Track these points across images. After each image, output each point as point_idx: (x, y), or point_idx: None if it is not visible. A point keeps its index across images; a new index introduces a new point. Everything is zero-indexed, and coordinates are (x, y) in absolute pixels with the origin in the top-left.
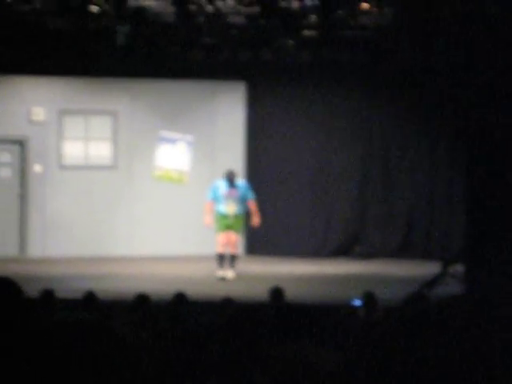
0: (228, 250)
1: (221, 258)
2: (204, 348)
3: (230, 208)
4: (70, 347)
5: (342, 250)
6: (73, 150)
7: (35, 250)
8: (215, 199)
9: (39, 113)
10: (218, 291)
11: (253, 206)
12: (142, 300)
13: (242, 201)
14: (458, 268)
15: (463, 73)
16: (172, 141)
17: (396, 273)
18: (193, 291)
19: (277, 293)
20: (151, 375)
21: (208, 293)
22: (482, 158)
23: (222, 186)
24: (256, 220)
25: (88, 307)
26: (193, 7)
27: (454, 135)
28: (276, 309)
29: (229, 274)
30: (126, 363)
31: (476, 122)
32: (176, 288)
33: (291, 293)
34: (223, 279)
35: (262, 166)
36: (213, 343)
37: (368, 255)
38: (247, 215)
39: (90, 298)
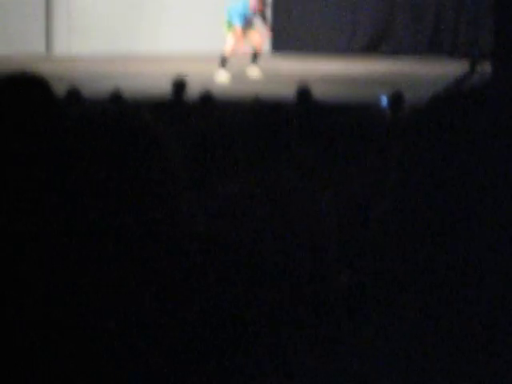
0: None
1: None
2: (232, 146)
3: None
4: (98, 141)
5: (370, 47)
6: None
7: (61, 48)
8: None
9: None
10: (244, 92)
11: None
12: (181, 85)
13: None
14: (486, 67)
15: None
16: None
17: (423, 72)
18: (222, 90)
19: (304, 93)
20: (179, 169)
21: (235, 93)
22: None
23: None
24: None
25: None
26: None
27: None
28: (303, 109)
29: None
30: (157, 158)
31: None
32: (202, 88)
33: (319, 92)
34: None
35: None
36: (241, 142)
37: (396, 52)
38: None
39: (116, 96)
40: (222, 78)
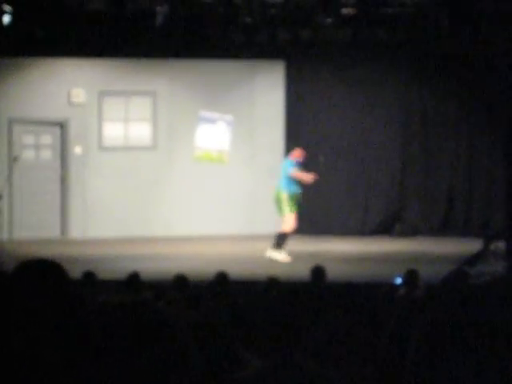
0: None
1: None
2: (247, 328)
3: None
4: (116, 330)
5: (383, 229)
6: (113, 131)
7: (76, 231)
8: (285, 178)
9: (79, 94)
10: (260, 270)
11: (296, 174)
12: (182, 280)
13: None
14: (500, 245)
15: (506, 51)
16: (212, 120)
17: (437, 250)
18: (235, 271)
19: (318, 272)
20: (197, 357)
21: (250, 272)
22: None
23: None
24: (306, 178)
25: (131, 288)
26: None
27: (495, 112)
28: (318, 288)
29: (281, 255)
30: (174, 345)
31: None
32: (218, 267)
33: (332, 272)
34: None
35: (302, 144)
36: (257, 323)
37: (409, 233)
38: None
39: (133, 279)
40: (282, 257)
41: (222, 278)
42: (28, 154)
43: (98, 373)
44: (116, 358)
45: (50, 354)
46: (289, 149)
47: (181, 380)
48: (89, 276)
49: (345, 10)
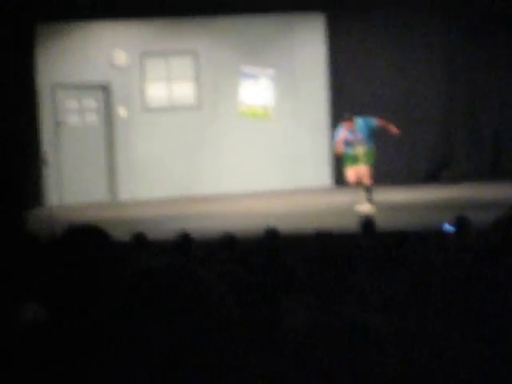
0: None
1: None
2: (296, 281)
3: (359, 150)
4: (154, 296)
5: (431, 176)
6: (156, 92)
7: (124, 194)
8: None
9: (121, 57)
10: (308, 224)
11: (381, 123)
12: (230, 238)
13: (368, 137)
14: None
15: None
16: (254, 75)
17: (486, 196)
18: (283, 226)
19: (368, 224)
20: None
21: (298, 227)
22: None
23: (344, 132)
24: (393, 130)
25: (182, 249)
26: None
27: None
28: (368, 240)
29: (365, 207)
30: (213, 313)
31: None
32: (266, 223)
33: (382, 222)
34: (361, 213)
35: (345, 97)
36: (305, 276)
37: (457, 179)
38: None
39: (184, 239)
40: (366, 208)
41: (271, 234)
42: (72, 119)
43: (132, 336)
44: (152, 322)
45: (93, 317)
46: (334, 103)
47: (222, 340)
48: (138, 237)
49: None
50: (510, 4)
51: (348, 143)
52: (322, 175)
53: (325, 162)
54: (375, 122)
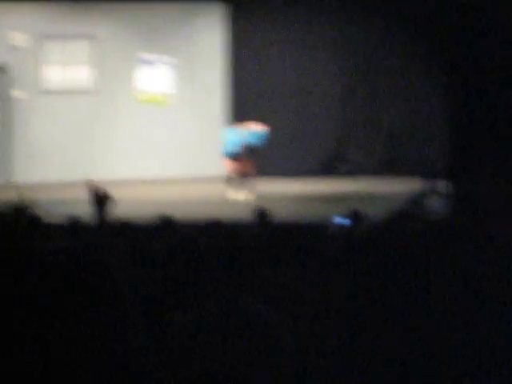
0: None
1: (229, 180)
2: (189, 270)
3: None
4: (53, 278)
5: (327, 169)
6: (53, 74)
7: (20, 176)
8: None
9: (19, 38)
10: (203, 214)
11: (252, 163)
12: (125, 224)
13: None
14: (443, 184)
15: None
16: (151, 62)
17: (381, 190)
18: (179, 214)
19: (262, 214)
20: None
21: (192, 215)
22: (464, 71)
23: (231, 142)
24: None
25: (72, 233)
26: None
27: (437, 53)
28: (262, 229)
29: (241, 195)
30: (112, 296)
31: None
32: (162, 211)
33: (277, 213)
34: (235, 201)
35: (245, 87)
36: (200, 264)
37: (352, 173)
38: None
39: (74, 223)
40: (237, 195)
41: (165, 221)
42: None
43: (35, 321)
44: (54, 304)
45: None
46: (233, 93)
47: (120, 327)
48: (33, 220)
49: None
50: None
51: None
52: (218, 165)
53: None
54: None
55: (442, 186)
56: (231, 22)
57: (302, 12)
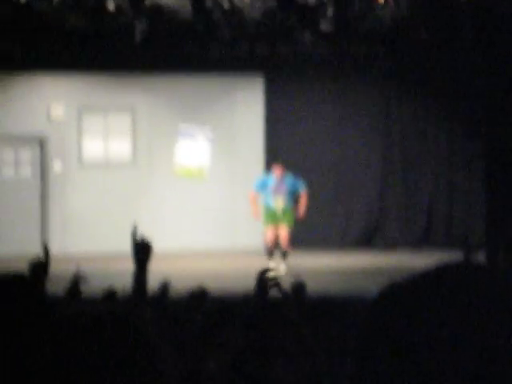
0: (278, 245)
1: (270, 252)
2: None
3: (278, 203)
4: (90, 342)
5: (363, 241)
6: (92, 147)
7: (56, 248)
8: (263, 192)
9: (58, 110)
10: (239, 286)
11: (303, 197)
12: (164, 292)
13: (291, 194)
14: (480, 256)
15: (484, 65)
16: (191, 134)
17: (418, 264)
18: (215, 286)
19: (299, 287)
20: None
21: (230, 288)
22: (500, 145)
23: (269, 179)
24: (301, 211)
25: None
26: (209, 3)
27: (472, 125)
28: (299, 305)
29: (281, 268)
30: (149, 360)
31: (493, 112)
32: (199, 283)
33: (313, 286)
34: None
35: (282, 159)
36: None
37: (389, 246)
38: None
39: (110, 295)
40: (280, 270)
41: (199, 294)
42: (7, 171)
43: None
44: (85, 370)
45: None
46: (269, 164)
47: None
48: (71, 291)
49: (323, 26)
50: (445, 78)
51: (269, 192)
52: (257, 237)
53: (260, 224)
54: (303, 187)
55: (480, 258)
56: (269, 94)
57: (338, 84)
